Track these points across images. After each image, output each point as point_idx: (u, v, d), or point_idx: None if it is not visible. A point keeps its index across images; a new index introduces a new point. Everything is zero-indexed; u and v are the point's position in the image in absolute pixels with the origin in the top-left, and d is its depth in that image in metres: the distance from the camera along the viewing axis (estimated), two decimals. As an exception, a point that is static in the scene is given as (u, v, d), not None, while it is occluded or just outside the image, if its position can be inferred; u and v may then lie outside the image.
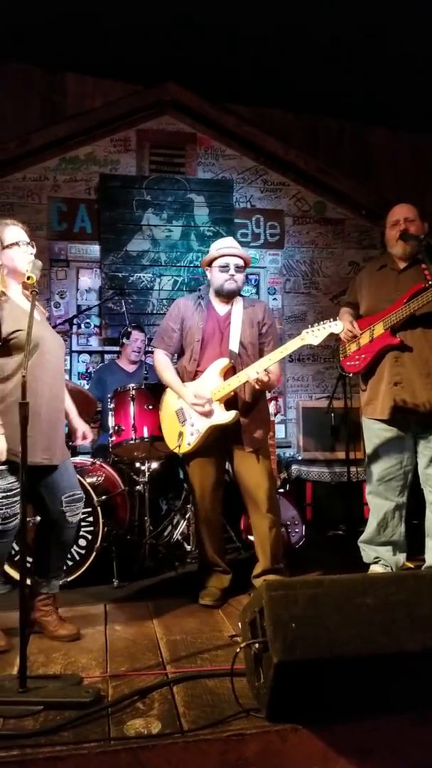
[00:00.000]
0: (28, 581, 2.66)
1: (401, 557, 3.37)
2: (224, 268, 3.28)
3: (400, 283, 3.25)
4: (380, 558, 3.35)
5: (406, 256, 3.28)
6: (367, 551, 3.40)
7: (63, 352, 2.87)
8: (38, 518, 2.85)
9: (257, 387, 3.12)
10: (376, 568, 3.34)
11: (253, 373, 3.07)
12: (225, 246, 3.34)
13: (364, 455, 3.50)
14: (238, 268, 3.31)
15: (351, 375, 3.38)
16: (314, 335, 3.02)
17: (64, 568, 3.36)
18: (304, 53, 5.18)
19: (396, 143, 6.59)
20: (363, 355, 3.29)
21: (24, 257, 2.63)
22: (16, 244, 2.64)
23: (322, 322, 3.04)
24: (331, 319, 3.03)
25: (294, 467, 5.09)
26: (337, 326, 3.01)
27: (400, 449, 3.29)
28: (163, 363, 3.38)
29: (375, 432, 3.34)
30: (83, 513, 3.45)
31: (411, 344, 3.18)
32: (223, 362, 3.22)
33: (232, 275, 3.29)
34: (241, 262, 3.32)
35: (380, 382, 3.26)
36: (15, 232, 2.66)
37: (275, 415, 4.33)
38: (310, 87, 5.70)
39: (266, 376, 3.08)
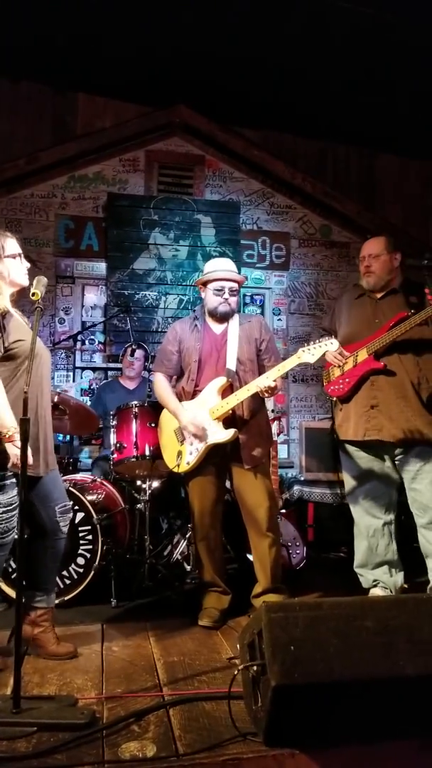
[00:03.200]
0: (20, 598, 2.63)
1: (399, 577, 3.34)
2: (219, 291, 3.32)
3: (379, 311, 3.33)
4: (379, 581, 3.32)
5: (370, 289, 3.38)
6: (365, 576, 3.37)
7: (50, 362, 2.95)
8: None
9: (265, 396, 3.12)
10: (376, 591, 3.31)
11: (253, 387, 3.09)
12: (220, 269, 3.36)
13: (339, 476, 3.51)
14: (232, 292, 3.34)
15: (335, 399, 3.41)
16: (311, 353, 3.07)
17: (62, 586, 3.35)
18: (313, 79, 5.23)
19: (402, 170, 6.65)
20: (347, 380, 3.32)
21: (21, 269, 2.71)
22: (18, 255, 2.71)
23: (318, 341, 3.10)
24: (326, 337, 3.09)
25: (296, 488, 5.05)
26: (333, 344, 3.06)
27: (380, 469, 3.31)
28: (162, 385, 3.39)
29: (352, 453, 3.37)
30: (82, 531, 3.45)
31: (390, 368, 3.21)
32: (221, 381, 3.23)
33: (226, 299, 3.32)
34: (235, 286, 3.35)
35: (355, 405, 3.29)
36: (15, 244, 2.72)
37: (278, 435, 4.32)
38: (319, 112, 5.76)
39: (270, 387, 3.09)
